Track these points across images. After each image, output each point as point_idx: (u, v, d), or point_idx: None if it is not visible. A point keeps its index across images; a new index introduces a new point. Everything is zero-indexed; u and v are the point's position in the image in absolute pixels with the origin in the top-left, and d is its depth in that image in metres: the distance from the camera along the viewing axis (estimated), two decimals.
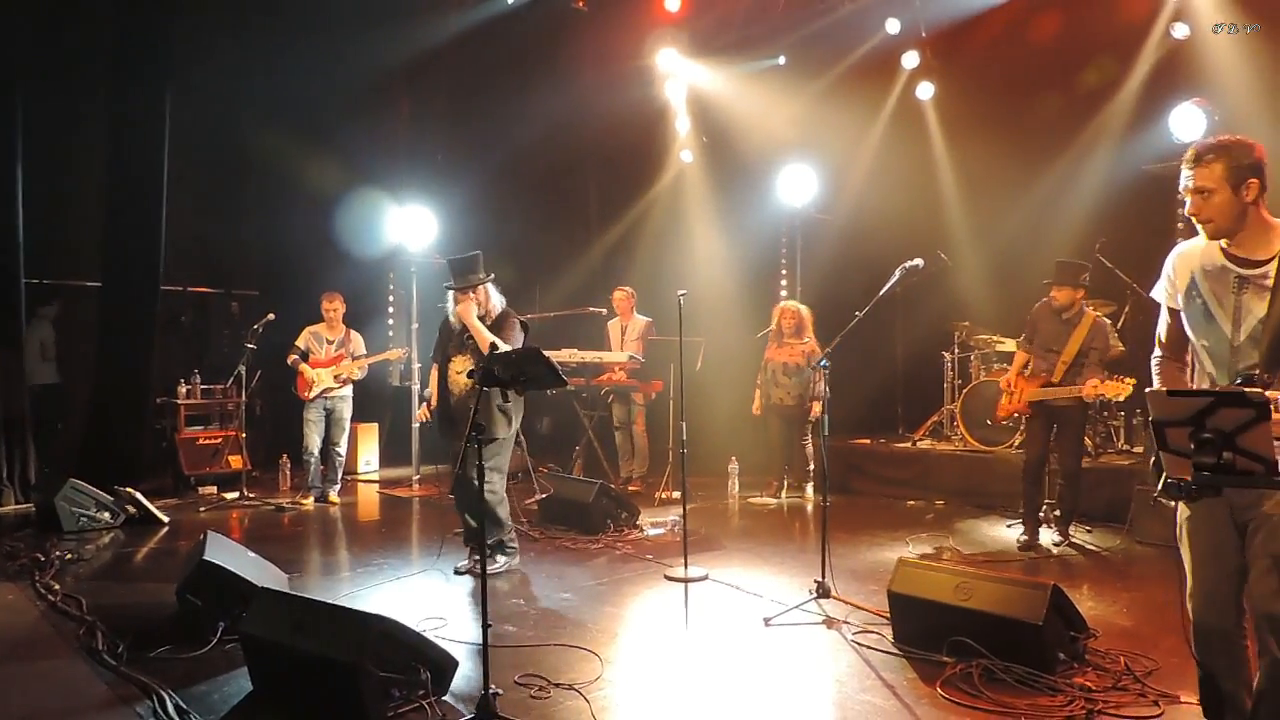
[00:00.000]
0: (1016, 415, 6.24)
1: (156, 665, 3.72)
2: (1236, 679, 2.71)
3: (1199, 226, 2.70)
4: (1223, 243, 2.69)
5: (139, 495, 6.83)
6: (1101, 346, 5.85)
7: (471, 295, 5.18)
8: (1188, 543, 2.76)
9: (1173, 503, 2.60)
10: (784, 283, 9.65)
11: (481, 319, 5.18)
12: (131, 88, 7.95)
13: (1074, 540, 5.98)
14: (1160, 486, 2.50)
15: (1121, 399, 5.52)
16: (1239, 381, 2.55)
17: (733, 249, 9.72)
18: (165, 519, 6.82)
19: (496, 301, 5.30)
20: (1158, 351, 2.95)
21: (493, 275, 5.32)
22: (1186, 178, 2.67)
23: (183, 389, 8.46)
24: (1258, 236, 2.63)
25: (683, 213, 10.32)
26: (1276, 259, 2.58)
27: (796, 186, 8.81)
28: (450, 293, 5.27)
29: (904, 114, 9.04)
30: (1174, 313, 2.85)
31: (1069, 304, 5.84)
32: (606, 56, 9.36)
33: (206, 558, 4.02)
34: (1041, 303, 5.99)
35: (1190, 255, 2.79)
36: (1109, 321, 5.83)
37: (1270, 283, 2.57)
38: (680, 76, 9.64)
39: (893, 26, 8.42)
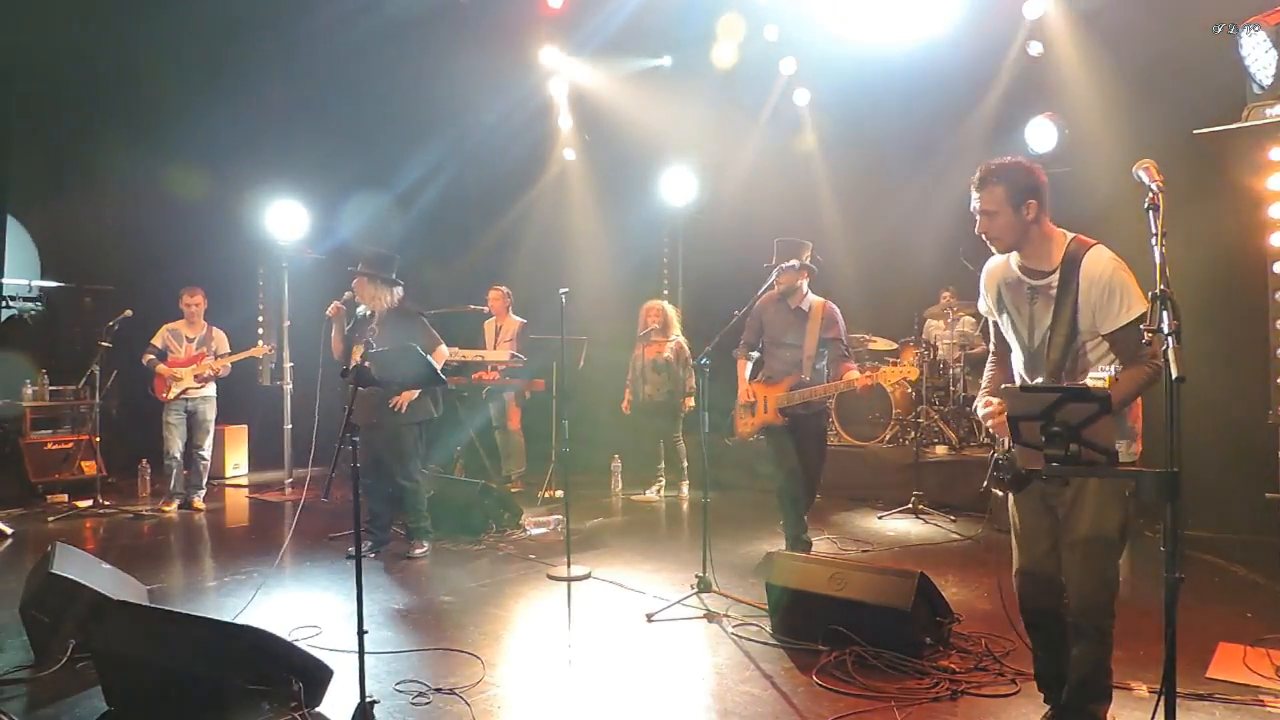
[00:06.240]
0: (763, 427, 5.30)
1: None
2: (1061, 654, 2.91)
3: (989, 244, 2.90)
4: (1015, 256, 2.89)
5: None
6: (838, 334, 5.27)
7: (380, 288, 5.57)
8: (1013, 524, 3.01)
9: (999, 491, 2.91)
10: (665, 282, 9.74)
11: (368, 316, 5.56)
12: None
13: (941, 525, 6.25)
14: (986, 480, 2.88)
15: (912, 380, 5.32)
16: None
17: (615, 247, 9.75)
18: (9, 530, 6.34)
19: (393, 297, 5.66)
20: (990, 355, 3.18)
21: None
22: (974, 200, 2.85)
23: (28, 390, 7.92)
24: (1041, 249, 2.83)
25: (565, 210, 10.29)
26: (1058, 270, 2.78)
27: (678, 186, 8.92)
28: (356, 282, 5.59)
29: (782, 119, 9.26)
30: (992, 321, 3.07)
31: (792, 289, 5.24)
32: (489, 51, 9.23)
33: (54, 570, 3.75)
34: (759, 298, 5.31)
35: (995, 270, 3.01)
36: (836, 308, 5.32)
37: (1055, 293, 2.78)
38: (563, 73, 9.60)
39: (771, 34, 8.62)
